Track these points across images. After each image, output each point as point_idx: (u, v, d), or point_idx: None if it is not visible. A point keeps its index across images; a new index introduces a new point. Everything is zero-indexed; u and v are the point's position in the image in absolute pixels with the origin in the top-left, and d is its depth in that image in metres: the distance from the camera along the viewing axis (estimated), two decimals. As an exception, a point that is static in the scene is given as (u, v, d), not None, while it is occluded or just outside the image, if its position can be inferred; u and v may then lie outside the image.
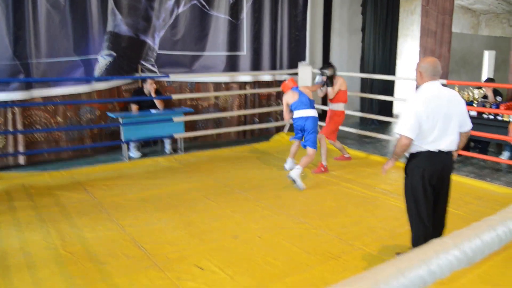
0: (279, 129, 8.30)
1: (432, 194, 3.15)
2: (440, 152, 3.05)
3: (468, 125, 3.20)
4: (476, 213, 4.42)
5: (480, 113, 6.33)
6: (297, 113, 5.58)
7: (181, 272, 3.20)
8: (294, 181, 5.15)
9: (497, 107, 6.23)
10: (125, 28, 6.88)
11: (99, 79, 6.65)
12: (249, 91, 8.02)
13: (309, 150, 5.47)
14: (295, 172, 5.17)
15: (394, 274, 0.73)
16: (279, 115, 8.52)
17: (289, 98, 5.66)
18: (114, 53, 6.76)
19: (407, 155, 3.25)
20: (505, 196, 4.96)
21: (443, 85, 3.45)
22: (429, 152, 3.05)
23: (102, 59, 6.69)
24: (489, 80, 7.09)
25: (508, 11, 12.96)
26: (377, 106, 9.24)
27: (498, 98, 6.59)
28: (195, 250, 3.56)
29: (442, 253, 0.80)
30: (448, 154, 3.10)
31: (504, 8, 12.85)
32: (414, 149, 3.12)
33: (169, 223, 4.12)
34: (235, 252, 3.54)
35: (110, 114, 6.55)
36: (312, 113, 5.58)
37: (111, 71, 6.76)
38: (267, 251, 3.56)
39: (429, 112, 2.97)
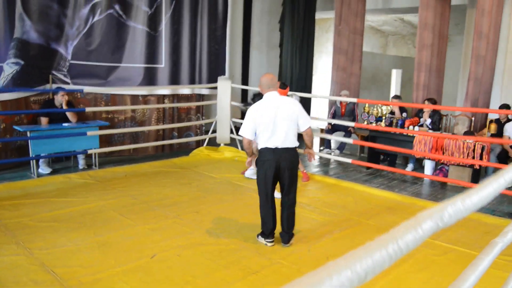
0: (199, 144, 8.26)
1: (273, 180, 3.91)
2: (276, 148, 3.82)
3: (303, 127, 3.96)
4: (386, 223, 4.70)
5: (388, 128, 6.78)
6: None
7: (94, 297, 3.04)
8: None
9: (403, 122, 6.72)
10: (35, 35, 6.48)
11: (3, 91, 6.15)
12: (167, 105, 7.89)
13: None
14: (250, 173, 6.12)
15: None
16: (198, 129, 8.48)
17: None
18: (21, 61, 6.33)
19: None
20: (411, 206, 5.33)
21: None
22: (267, 148, 3.84)
23: (8, 67, 6.23)
24: (396, 97, 7.63)
25: (412, 33, 14.09)
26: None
27: (404, 114, 7.10)
28: (110, 273, 3.40)
29: (335, 275, 0.84)
30: (286, 149, 3.84)
31: (408, 30, 13.96)
32: (259, 146, 3.90)
33: (82, 244, 3.91)
34: (152, 273, 3.44)
35: (16, 128, 6.08)
36: None
37: (19, 81, 6.31)
38: (186, 270, 3.51)
39: (261, 117, 3.79)
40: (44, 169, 6.19)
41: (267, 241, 4.02)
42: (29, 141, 5.92)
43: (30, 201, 5.03)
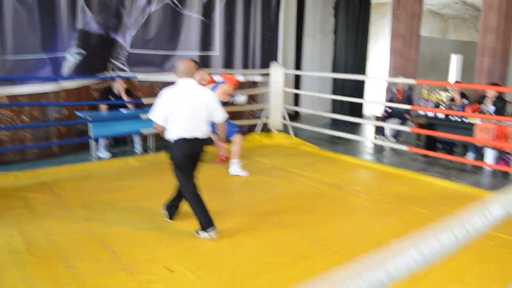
0: (251, 129, 8.30)
1: (191, 168, 3.89)
2: (191, 138, 3.76)
3: (217, 118, 3.98)
4: (442, 212, 4.53)
5: (447, 115, 6.49)
6: None
7: (150, 275, 3.15)
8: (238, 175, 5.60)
9: (463, 109, 6.41)
10: (95, 26, 6.74)
11: (66, 79, 6.48)
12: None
13: (234, 138, 5.74)
14: (234, 169, 5.68)
15: (352, 277, 0.74)
16: (250, 115, 8.52)
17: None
18: (83, 51, 6.62)
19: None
20: (470, 196, 5.10)
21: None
22: (181, 137, 3.75)
23: (71, 57, 6.54)
24: (456, 83, 7.28)
25: (474, 17, 13.35)
26: (348, 108, 9.36)
27: (465, 101, 6.77)
28: (165, 252, 3.52)
29: (400, 255, 0.81)
30: (199, 139, 3.81)
31: (471, 13, 13.23)
32: (172, 133, 3.78)
33: (139, 225, 4.07)
34: (205, 254, 3.52)
35: (78, 113, 6.40)
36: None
37: (81, 70, 6.62)
38: (237, 252, 3.56)
39: (171, 104, 3.70)
40: (103, 153, 6.48)
41: (210, 233, 3.74)
42: (89, 125, 6.20)
43: (91, 183, 5.29)
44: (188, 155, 3.80)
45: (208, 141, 4.00)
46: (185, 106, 3.70)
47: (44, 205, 4.50)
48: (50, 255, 3.43)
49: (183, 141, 3.75)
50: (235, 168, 5.71)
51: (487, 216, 1.03)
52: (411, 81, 6.67)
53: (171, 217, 4.15)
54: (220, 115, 3.99)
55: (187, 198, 3.88)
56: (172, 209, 4.15)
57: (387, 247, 0.85)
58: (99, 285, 3.00)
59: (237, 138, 5.73)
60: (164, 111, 3.72)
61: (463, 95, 6.97)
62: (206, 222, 3.76)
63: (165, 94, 3.77)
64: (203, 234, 3.76)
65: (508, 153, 5.96)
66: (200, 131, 3.80)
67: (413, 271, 0.86)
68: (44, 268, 3.22)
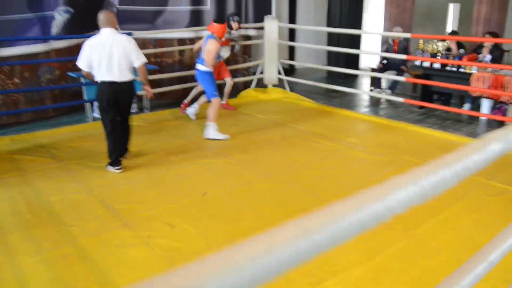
0: (246, 85, 8.22)
1: (113, 110, 4.26)
2: (112, 82, 4.13)
3: (136, 62, 4.24)
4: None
5: (443, 66, 6.43)
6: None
7: (151, 231, 3.21)
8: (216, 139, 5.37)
9: (460, 59, 6.34)
10: (82, -18, 6.52)
11: (56, 38, 6.32)
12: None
13: (212, 100, 5.41)
14: (211, 133, 5.38)
15: (350, 209, 0.74)
16: (246, 71, 8.42)
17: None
18: (71, 9, 6.42)
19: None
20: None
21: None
22: (104, 81, 4.15)
23: (59, 16, 6.35)
24: (453, 32, 7.17)
25: (472, -38, 12.98)
26: (344, 60, 9.25)
27: (461, 51, 6.70)
28: (165, 209, 3.56)
29: (399, 189, 0.82)
30: (121, 83, 4.17)
31: (468, -41, 12.86)
32: (97, 79, 4.19)
33: (138, 183, 4.10)
34: (205, 209, 3.57)
35: (71, 74, 6.29)
36: (200, 67, 5.43)
37: (70, 28, 6.44)
38: (237, 207, 3.61)
39: (96, 52, 4.07)
40: (98, 113, 6.42)
41: (116, 169, 4.32)
42: (83, 86, 6.12)
43: (87, 143, 5.28)
44: (107, 97, 4.18)
45: (130, 86, 4.32)
46: (104, 52, 4.08)
47: (42, 167, 4.51)
48: (52, 215, 3.47)
49: (104, 84, 4.18)
50: (211, 131, 5.37)
51: (487, 151, 1.04)
52: (407, 35, 6.56)
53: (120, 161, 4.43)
54: (138, 60, 4.25)
55: (106, 136, 4.35)
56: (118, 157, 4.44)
57: (386, 182, 0.86)
58: (102, 242, 3.06)
59: (214, 101, 5.38)
60: (87, 58, 4.13)
61: (459, 45, 6.88)
62: (114, 161, 4.34)
63: (88, 42, 4.15)
64: (110, 168, 4.35)
65: (504, 103, 5.96)
66: (119, 76, 4.15)
67: (413, 205, 0.87)
68: (47, 228, 3.26)
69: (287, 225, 0.70)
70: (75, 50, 6.62)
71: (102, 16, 4.18)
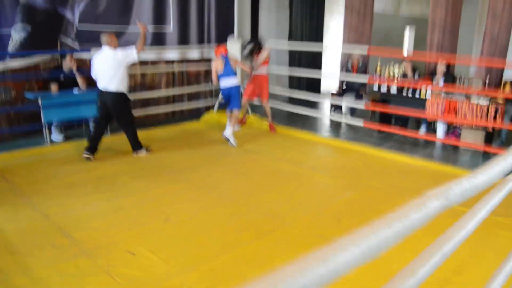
0: (209, 108, 8.23)
1: (103, 110, 5.38)
2: (102, 89, 5.26)
3: (132, 56, 5.28)
4: (398, 185, 4.71)
5: (400, 91, 6.68)
6: (223, 83, 6.25)
7: (112, 259, 3.12)
8: (228, 140, 6.13)
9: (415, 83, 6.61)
10: (41, 0, 6.38)
11: (13, 55, 6.13)
12: (176, 69, 7.83)
13: (235, 111, 6.26)
14: (228, 132, 6.14)
15: (295, 274, 0.76)
16: (208, 94, 8.43)
17: (218, 65, 6.24)
18: (29, 28, 6.27)
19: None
20: (423, 169, 5.32)
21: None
22: (99, 89, 5.32)
23: (16, 34, 6.18)
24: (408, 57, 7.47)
25: (425, -9, 13.63)
26: (306, 82, 9.43)
27: (416, 76, 6.97)
28: (125, 235, 3.48)
29: (340, 251, 0.86)
30: (106, 92, 5.23)
31: (421, -13, 13.50)
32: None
33: (97, 209, 3.99)
34: (166, 235, 3.51)
35: (28, 95, 6.09)
36: (236, 82, 6.26)
37: (27, 48, 6.26)
38: (199, 232, 3.57)
39: (96, 65, 5.26)
40: (57, 136, 6.25)
41: (85, 154, 5.33)
42: (40, 108, 5.94)
43: (44, 167, 5.11)
44: (101, 102, 5.33)
45: (115, 96, 5.24)
46: (99, 66, 5.22)
47: (-5, 192, 4.32)
48: (6, 243, 3.32)
49: (100, 92, 5.30)
50: (229, 132, 6.16)
51: (426, 209, 1.10)
52: (364, 48, 6.81)
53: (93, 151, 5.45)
54: (131, 54, 5.26)
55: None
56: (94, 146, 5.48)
57: (329, 245, 0.89)
58: (59, 272, 2.94)
59: (236, 112, 6.26)
60: (93, 69, 5.31)
61: (414, 70, 7.17)
62: (89, 147, 5.37)
63: (94, 57, 5.33)
64: (86, 155, 5.31)
65: (458, 127, 6.23)
66: (110, 86, 5.19)
67: (357, 265, 0.90)
68: (0, 257, 3.11)
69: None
70: (32, 71, 6.47)
71: (102, 37, 5.20)
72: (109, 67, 5.13)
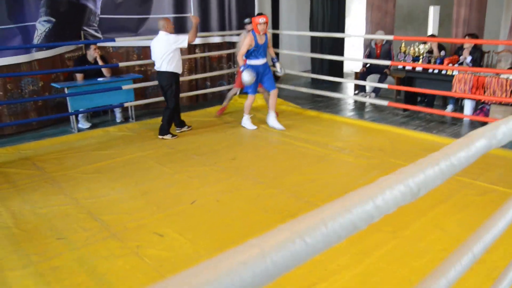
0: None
1: (161, 91, 5.90)
2: (156, 70, 5.74)
3: (183, 44, 5.59)
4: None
5: (425, 68, 6.52)
6: (255, 61, 5.99)
7: (140, 241, 3.18)
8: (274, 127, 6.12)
9: (441, 61, 6.43)
10: (64, -8, 6.47)
11: (39, 46, 6.27)
12: (199, 55, 7.84)
13: (273, 92, 6.18)
14: (271, 120, 6.21)
15: (340, 211, 0.75)
16: (231, 78, 8.43)
17: (253, 40, 5.89)
18: (53, 19, 6.37)
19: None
20: (450, 146, 5.20)
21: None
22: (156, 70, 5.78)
23: (41, 26, 6.30)
24: (432, 36, 7.28)
25: (450, -34, 13.20)
26: (328, 65, 9.32)
27: (442, 53, 6.80)
28: (153, 218, 3.54)
29: (388, 189, 0.83)
30: (159, 72, 5.68)
31: (446, -38, 13.08)
32: None
33: (125, 193, 4.06)
34: (193, 217, 3.55)
35: (54, 85, 6.23)
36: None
37: (52, 38, 6.38)
38: (225, 214, 3.60)
39: (151, 48, 5.72)
40: (83, 124, 6.37)
41: (173, 136, 5.83)
42: (67, 97, 6.07)
43: (73, 154, 5.22)
44: (158, 83, 5.85)
45: (165, 75, 5.61)
46: (154, 48, 5.65)
47: (27, 180, 4.45)
48: (39, 228, 3.43)
49: (156, 73, 5.82)
50: (272, 119, 6.20)
51: (471, 148, 1.06)
52: (389, 37, 6.62)
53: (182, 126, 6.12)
54: (182, 41, 5.57)
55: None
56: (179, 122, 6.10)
57: (375, 183, 0.87)
58: (91, 253, 3.02)
59: (273, 92, 6.17)
60: (152, 52, 5.73)
61: (440, 47, 6.99)
62: (176, 124, 6.07)
63: (152, 42, 5.74)
64: (168, 136, 5.77)
65: (486, 103, 6.06)
66: (161, 66, 5.60)
67: (402, 204, 0.88)
68: (35, 241, 3.22)
69: (279, 229, 0.70)
70: (58, 61, 6.60)
71: (159, 22, 5.63)
72: (161, 49, 5.51)
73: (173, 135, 5.81)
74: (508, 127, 1.18)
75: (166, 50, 5.50)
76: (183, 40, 5.56)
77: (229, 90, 7.41)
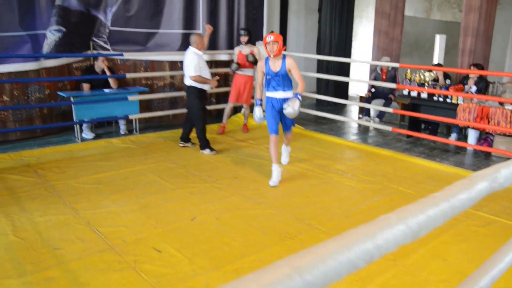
0: (236, 110, 8.26)
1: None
2: (184, 84, 5.88)
3: (187, 73, 5.69)
4: (427, 192, 4.59)
5: (430, 96, 6.55)
6: (272, 93, 4.80)
7: (138, 255, 3.16)
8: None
9: (447, 89, 6.46)
10: (75, 2, 6.56)
11: (48, 56, 6.34)
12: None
13: (290, 132, 5.13)
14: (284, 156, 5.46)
15: (340, 249, 0.75)
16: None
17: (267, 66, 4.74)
18: (63, 29, 6.45)
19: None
20: (453, 176, 5.19)
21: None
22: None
23: (51, 35, 6.37)
24: (438, 65, 7.33)
25: (458, -4, 13.36)
26: (333, 87, 9.38)
27: (448, 81, 6.83)
28: (152, 233, 3.53)
29: (389, 228, 0.83)
30: (186, 86, 5.79)
31: (454, -8, 13.24)
32: None
33: (125, 206, 4.06)
34: (192, 234, 3.54)
35: (60, 93, 6.27)
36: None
37: (61, 48, 6.46)
38: (224, 232, 3.58)
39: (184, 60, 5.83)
40: (87, 134, 6.40)
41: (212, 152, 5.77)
42: (72, 106, 6.11)
43: (75, 164, 5.23)
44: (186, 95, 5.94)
45: (189, 89, 5.72)
46: (184, 62, 5.75)
47: (28, 187, 4.45)
48: (36, 237, 3.42)
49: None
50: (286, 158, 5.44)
51: (473, 191, 1.07)
52: (395, 65, 6.67)
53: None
54: (190, 72, 5.59)
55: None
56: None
57: (375, 221, 0.87)
58: (87, 265, 3.01)
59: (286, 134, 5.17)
60: None
61: (446, 76, 7.03)
62: (182, 137, 6.11)
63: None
64: (207, 151, 5.81)
65: (490, 134, 6.07)
66: (186, 80, 5.74)
67: (402, 244, 0.88)
68: (31, 250, 3.21)
69: (278, 264, 0.70)
70: (66, 70, 6.66)
71: (191, 37, 5.74)
72: (187, 64, 5.62)
73: (212, 150, 5.81)
74: (509, 170, 1.19)
75: (187, 65, 5.65)
76: (193, 70, 5.56)
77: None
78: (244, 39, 6.82)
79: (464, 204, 1.01)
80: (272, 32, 4.99)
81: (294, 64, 4.68)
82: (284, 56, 4.71)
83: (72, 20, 6.56)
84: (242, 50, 6.87)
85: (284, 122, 4.94)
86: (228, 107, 7.03)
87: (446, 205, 0.96)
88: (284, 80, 4.72)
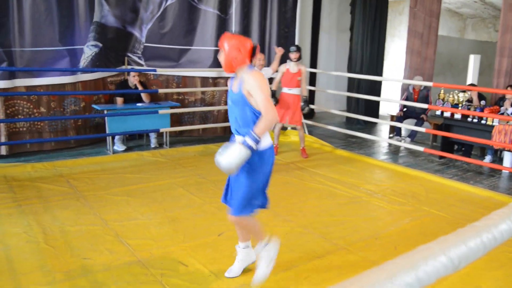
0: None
1: None
2: None
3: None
4: (459, 215, 4.47)
5: (464, 116, 6.40)
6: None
7: (164, 269, 3.16)
8: None
9: (481, 111, 6.30)
10: (112, 19, 6.77)
11: (84, 71, 6.54)
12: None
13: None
14: None
15: (382, 280, 0.72)
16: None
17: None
18: (100, 44, 6.65)
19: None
20: (487, 199, 5.03)
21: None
22: None
23: (88, 50, 6.58)
24: (471, 85, 7.18)
25: (493, 16, 13.15)
26: (364, 106, 9.29)
27: (482, 102, 6.68)
28: (179, 247, 3.53)
29: (430, 260, 0.80)
30: None
31: (490, 12, 13.05)
32: None
33: (153, 219, 4.08)
34: (219, 250, 3.52)
35: (95, 106, 6.44)
36: None
37: (97, 62, 6.65)
38: (251, 249, 3.54)
39: None
40: (119, 146, 6.52)
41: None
42: (105, 119, 6.25)
43: (106, 175, 5.32)
44: None
45: None
46: None
47: (60, 196, 4.55)
48: (66, 245, 3.47)
49: None
50: None
51: None
52: (428, 84, 6.55)
53: None
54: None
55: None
56: None
57: (416, 251, 0.83)
58: (114, 277, 3.02)
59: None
60: None
61: (481, 97, 6.87)
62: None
63: None
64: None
65: (527, 156, 5.86)
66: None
67: (442, 276, 0.84)
68: (60, 258, 3.25)
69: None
70: (100, 84, 6.84)
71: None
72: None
73: None
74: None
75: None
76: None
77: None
78: (296, 56, 6.52)
79: (505, 235, 0.96)
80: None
81: (258, 79, 2.71)
82: (250, 68, 2.81)
83: (109, 36, 6.76)
84: (290, 68, 6.60)
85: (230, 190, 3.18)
86: (277, 127, 6.74)
87: (487, 236, 0.91)
88: (240, 109, 2.89)
